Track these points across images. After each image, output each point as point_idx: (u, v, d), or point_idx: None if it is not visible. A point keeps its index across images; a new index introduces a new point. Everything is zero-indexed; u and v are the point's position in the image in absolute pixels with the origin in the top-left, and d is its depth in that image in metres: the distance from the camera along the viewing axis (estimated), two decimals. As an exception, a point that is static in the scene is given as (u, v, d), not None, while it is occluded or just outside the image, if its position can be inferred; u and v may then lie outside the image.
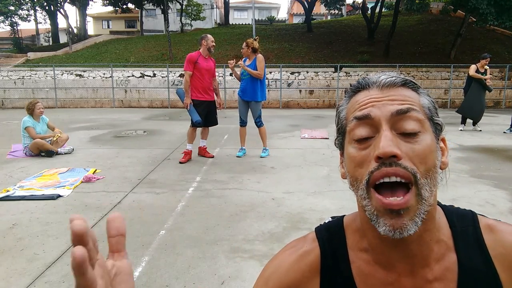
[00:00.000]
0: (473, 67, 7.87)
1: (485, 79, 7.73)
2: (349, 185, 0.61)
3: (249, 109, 5.50)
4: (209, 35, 5.29)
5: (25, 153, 5.60)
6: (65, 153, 5.75)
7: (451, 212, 0.66)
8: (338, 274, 0.65)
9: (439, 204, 0.67)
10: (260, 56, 5.26)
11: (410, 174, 0.53)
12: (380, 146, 0.53)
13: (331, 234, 0.69)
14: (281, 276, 0.67)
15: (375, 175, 0.54)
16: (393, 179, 0.53)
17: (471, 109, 7.91)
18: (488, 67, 7.91)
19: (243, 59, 5.45)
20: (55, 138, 5.80)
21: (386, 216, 0.54)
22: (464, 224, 0.64)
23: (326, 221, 0.74)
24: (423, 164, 0.55)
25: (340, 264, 0.65)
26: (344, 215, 0.72)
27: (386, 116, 0.56)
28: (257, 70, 5.21)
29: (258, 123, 5.51)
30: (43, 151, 5.58)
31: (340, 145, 0.65)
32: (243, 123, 5.55)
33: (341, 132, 0.64)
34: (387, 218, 0.53)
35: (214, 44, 5.28)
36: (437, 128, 0.61)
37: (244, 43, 5.33)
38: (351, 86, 0.65)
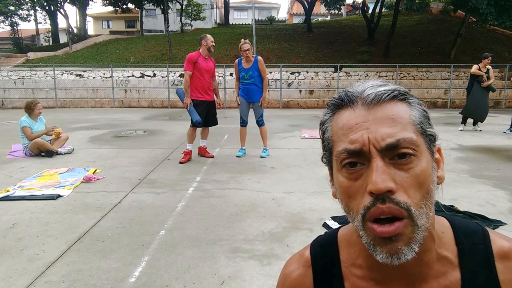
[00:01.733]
0: (474, 67, 7.86)
1: (483, 80, 7.68)
2: (342, 210, 0.59)
3: (251, 109, 5.50)
4: (208, 35, 5.27)
5: (25, 153, 5.60)
6: (65, 153, 5.76)
7: (459, 228, 0.62)
8: None
9: (447, 216, 0.65)
10: (261, 59, 5.27)
11: (404, 210, 0.51)
12: (373, 180, 0.50)
13: (324, 251, 0.68)
14: None
15: (372, 212, 0.52)
16: (390, 216, 0.52)
17: (475, 110, 7.86)
18: (490, 67, 7.88)
19: (237, 60, 5.41)
20: (54, 135, 5.79)
21: (381, 243, 0.53)
22: (474, 241, 0.60)
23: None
24: (418, 192, 0.52)
25: (333, 283, 0.65)
26: (339, 227, 0.71)
27: (376, 147, 0.52)
28: (259, 72, 5.27)
29: (260, 122, 5.51)
30: (43, 151, 5.58)
31: (328, 161, 0.61)
32: (243, 123, 5.55)
33: (328, 150, 0.60)
34: (382, 246, 0.52)
35: (213, 44, 5.27)
36: (431, 140, 0.57)
37: (247, 45, 5.19)
38: (332, 99, 0.60)
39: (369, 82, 0.58)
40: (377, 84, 0.57)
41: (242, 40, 5.30)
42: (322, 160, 0.63)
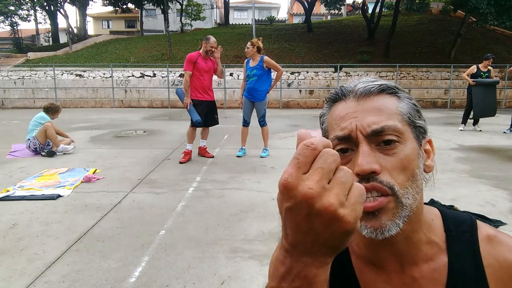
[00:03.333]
0: (472, 68, 7.86)
1: (472, 83, 7.71)
2: None
3: (254, 109, 5.50)
4: (212, 38, 5.16)
5: (29, 145, 5.62)
6: (67, 149, 5.76)
7: (448, 217, 0.66)
8: (340, 266, 0.66)
9: (439, 207, 0.68)
10: (267, 58, 5.29)
11: (387, 188, 0.54)
12: (359, 163, 0.54)
13: None
14: None
15: None
16: (374, 193, 0.54)
17: (484, 110, 7.86)
18: (491, 68, 7.87)
19: (246, 60, 5.45)
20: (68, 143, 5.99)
21: (365, 218, 0.55)
22: (461, 229, 0.64)
23: None
24: (401, 174, 0.56)
25: (342, 256, 0.67)
26: None
27: (363, 133, 0.56)
28: (264, 72, 5.29)
29: (262, 123, 5.52)
30: (44, 150, 5.60)
31: None
32: (246, 123, 5.55)
33: None
34: (366, 220, 0.55)
35: (212, 48, 5.13)
36: (420, 132, 0.60)
37: (249, 43, 5.30)
38: (330, 94, 0.65)
39: (362, 79, 0.63)
40: (369, 80, 0.62)
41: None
42: None
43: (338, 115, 0.60)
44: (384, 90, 0.60)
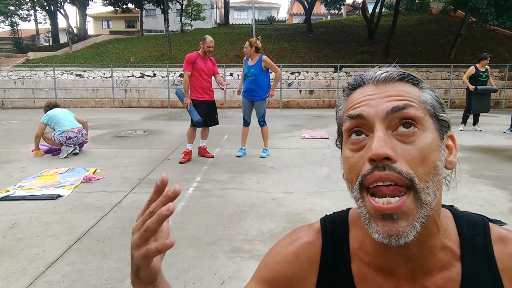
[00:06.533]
0: (470, 69, 7.87)
1: (474, 89, 7.77)
2: (346, 186, 0.59)
3: (253, 109, 5.50)
4: (208, 38, 5.16)
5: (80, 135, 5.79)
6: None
7: (462, 219, 0.62)
8: (337, 272, 0.63)
9: (451, 209, 0.65)
10: (265, 58, 5.28)
11: (405, 179, 0.49)
12: (372, 147, 0.49)
13: (335, 228, 0.67)
14: (279, 266, 0.67)
15: (368, 178, 0.50)
16: (387, 183, 0.49)
17: (480, 106, 7.96)
18: (488, 67, 7.90)
19: (245, 58, 5.45)
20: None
21: (378, 221, 0.50)
22: (474, 232, 0.60)
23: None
24: (421, 166, 0.50)
25: (341, 262, 0.64)
26: (350, 208, 0.69)
27: (380, 115, 0.52)
28: (262, 71, 5.28)
29: (262, 123, 5.52)
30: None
31: (341, 144, 0.62)
32: (246, 123, 5.55)
33: (340, 132, 0.61)
34: (379, 225, 0.50)
35: (210, 48, 5.13)
36: (443, 125, 0.56)
37: (247, 43, 5.30)
38: (348, 84, 0.61)
39: (382, 68, 0.60)
40: (390, 69, 0.59)
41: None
42: (336, 144, 0.64)
43: (355, 99, 0.57)
44: (405, 78, 0.56)
